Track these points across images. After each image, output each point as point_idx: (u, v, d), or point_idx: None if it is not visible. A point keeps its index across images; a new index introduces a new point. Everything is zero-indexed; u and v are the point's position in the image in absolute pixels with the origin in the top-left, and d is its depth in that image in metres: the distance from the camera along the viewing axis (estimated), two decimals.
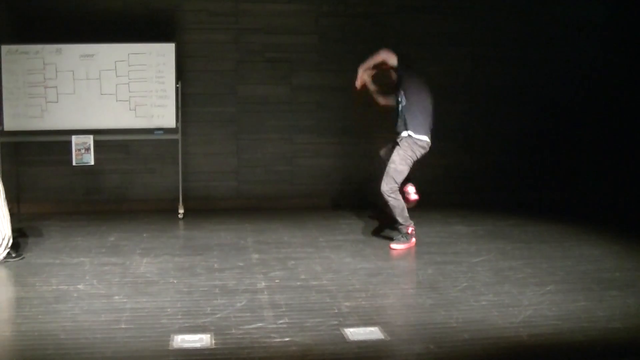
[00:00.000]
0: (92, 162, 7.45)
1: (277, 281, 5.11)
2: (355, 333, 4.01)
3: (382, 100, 6.57)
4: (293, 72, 8.21)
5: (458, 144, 8.47)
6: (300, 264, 5.60)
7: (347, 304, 4.57)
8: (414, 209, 6.45)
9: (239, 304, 4.54)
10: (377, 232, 6.81)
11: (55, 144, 7.60)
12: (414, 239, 6.31)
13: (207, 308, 4.46)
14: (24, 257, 5.74)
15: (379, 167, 6.40)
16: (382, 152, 6.51)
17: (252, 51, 8.12)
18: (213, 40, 8.03)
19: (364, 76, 6.34)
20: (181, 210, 7.67)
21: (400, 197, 6.21)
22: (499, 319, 4.28)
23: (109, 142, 7.77)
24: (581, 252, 6.01)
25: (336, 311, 4.42)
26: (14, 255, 5.67)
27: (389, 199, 6.14)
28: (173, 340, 3.88)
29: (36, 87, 7.32)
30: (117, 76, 7.44)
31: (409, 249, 6.18)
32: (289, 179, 8.35)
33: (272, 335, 3.98)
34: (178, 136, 7.64)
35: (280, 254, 5.98)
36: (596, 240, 6.44)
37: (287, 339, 3.91)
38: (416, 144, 6.12)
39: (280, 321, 4.21)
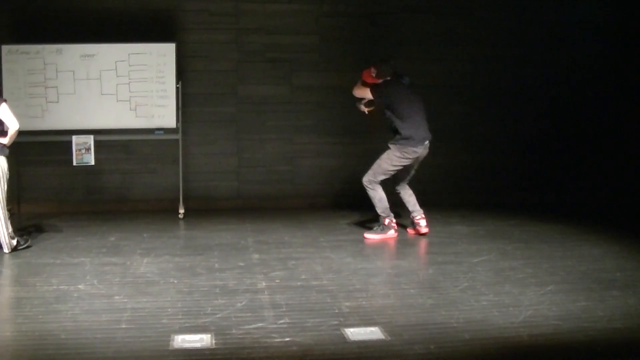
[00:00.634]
0: (93, 162, 7.45)
1: (277, 281, 5.11)
2: (356, 333, 4.01)
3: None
4: (293, 72, 8.20)
5: (458, 144, 8.47)
6: (301, 264, 5.61)
7: (347, 304, 4.57)
8: None
9: (239, 304, 4.54)
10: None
11: (55, 144, 7.60)
12: (392, 232, 6.41)
13: (207, 308, 4.46)
14: (30, 245, 6.07)
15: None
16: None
17: (253, 51, 8.12)
18: (213, 40, 8.03)
19: (361, 108, 6.72)
20: (182, 210, 7.67)
21: (378, 188, 6.45)
22: (499, 319, 4.28)
23: (110, 142, 7.77)
24: (582, 252, 6.01)
25: (337, 311, 4.42)
26: (22, 242, 5.98)
27: (367, 189, 6.50)
28: (173, 340, 3.89)
29: (37, 87, 7.32)
30: (117, 76, 7.44)
31: (399, 243, 6.30)
32: (290, 179, 8.35)
33: (273, 335, 3.98)
34: (178, 136, 7.64)
35: (280, 254, 5.98)
36: (597, 241, 6.44)
37: (287, 339, 3.91)
38: (406, 151, 6.34)
39: (281, 321, 4.21)
